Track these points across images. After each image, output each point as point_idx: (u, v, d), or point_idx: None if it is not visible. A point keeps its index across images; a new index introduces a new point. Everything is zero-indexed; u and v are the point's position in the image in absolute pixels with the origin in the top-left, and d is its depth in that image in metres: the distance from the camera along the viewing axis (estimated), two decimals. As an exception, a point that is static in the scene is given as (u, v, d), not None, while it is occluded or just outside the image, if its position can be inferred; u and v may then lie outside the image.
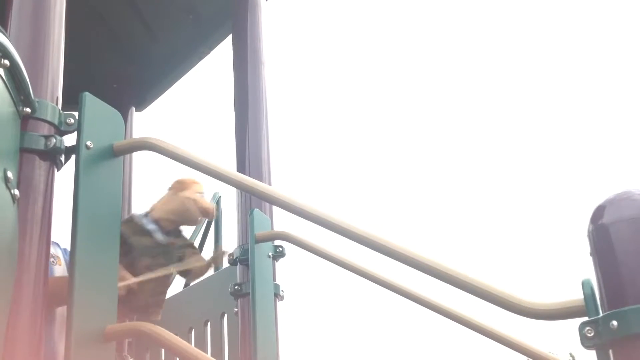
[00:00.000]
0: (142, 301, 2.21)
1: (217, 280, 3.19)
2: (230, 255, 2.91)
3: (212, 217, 2.39)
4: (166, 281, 2.42)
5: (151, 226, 2.36)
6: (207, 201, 2.46)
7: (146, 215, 2.52)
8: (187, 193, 2.43)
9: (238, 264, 2.86)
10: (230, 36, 3.46)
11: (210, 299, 3.17)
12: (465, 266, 1.42)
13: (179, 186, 2.47)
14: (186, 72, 4.07)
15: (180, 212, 2.46)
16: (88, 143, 1.75)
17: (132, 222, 2.51)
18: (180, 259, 2.50)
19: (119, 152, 1.85)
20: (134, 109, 4.34)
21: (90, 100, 1.81)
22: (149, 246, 2.37)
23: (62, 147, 1.68)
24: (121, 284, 2.10)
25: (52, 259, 2.29)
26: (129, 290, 2.15)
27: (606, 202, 1.15)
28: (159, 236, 2.43)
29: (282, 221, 2.84)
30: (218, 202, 3.80)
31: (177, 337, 1.70)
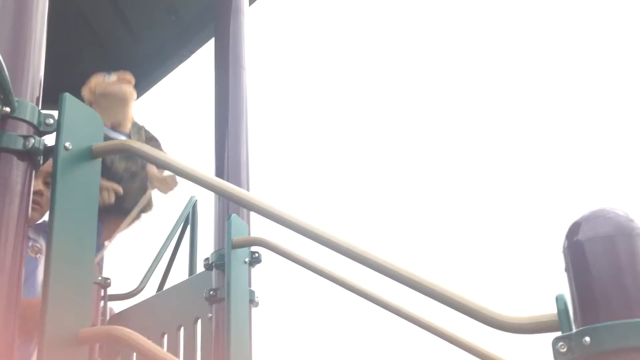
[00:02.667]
0: (131, 202, 2.19)
1: (191, 285, 3.18)
2: (207, 259, 2.90)
3: (128, 78, 2.28)
4: (145, 176, 2.35)
5: (114, 133, 2.26)
6: (113, 75, 2.34)
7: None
8: (101, 88, 2.30)
9: (214, 269, 2.86)
10: (213, 39, 3.46)
11: (183, 304, 3.15)
12: (441, 278, 1.43)
13: (91, 90, 2.34)
14: (167, 74, 4.06)
15: (108, 102, 2.33)
16: (67, 144, 1.74)
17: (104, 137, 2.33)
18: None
19: (97, 154, 1.84)
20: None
21: (70, 101, 1.80)
22: None
23: (41, 147, 1.67)
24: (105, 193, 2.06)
25: (37, 255, 2.26)
26: (117, 195, 2.12)
27: (581, 219, 1.17)
28: (122, 137, 2.35)
29: (260, 227, 2.84)
30: (194, 206, 3.79)
31: (151, 342, 1.69)
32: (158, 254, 3.78)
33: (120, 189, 2.04)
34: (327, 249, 1.65)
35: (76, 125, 1.79)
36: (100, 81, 2.20)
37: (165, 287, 3.73)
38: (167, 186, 2.56)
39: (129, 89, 2.16)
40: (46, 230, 2.30)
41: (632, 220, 1.12)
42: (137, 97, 4.39)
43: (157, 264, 3.80)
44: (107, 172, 2.01)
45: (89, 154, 1.82)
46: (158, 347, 1.69)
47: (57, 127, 1.73)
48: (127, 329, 1.70)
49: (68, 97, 1.79)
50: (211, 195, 3.19)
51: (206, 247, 3.71)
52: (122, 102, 2.13)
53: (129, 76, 2.20)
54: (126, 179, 2.06)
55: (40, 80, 1.78)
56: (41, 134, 1.70)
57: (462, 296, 1.37)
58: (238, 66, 3.17)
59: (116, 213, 2.08)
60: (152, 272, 3.80)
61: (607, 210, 1.15)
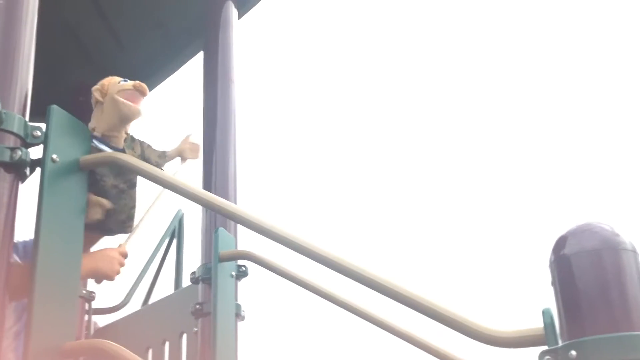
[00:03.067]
0: (121, 217, 2.12)
1: (176, 299, 3.16)
2: (193, 273, 2.89)
3: (143, 89, 2.15)
4: (135, 192, 2.26)
5: (103, 146, 2.15)
6: (129, 83, 2.21)
7: (92, 137, 2.25)
8: (113, 92, 2.19)
9: (200, 282, 2.84)
10: (201, 53, 3.47)
11: (169, 318, 3.13)
12: (429, 291, 1.43)
13: (101, 92, 2.23)
14: (154, 87, 4.05)
15: (117, 112, 2.20)
16: (54, 156, 1.73)
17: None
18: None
19: (85, 167, 1.84)
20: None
21: (57, 113, 1.79)
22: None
23: (28, 159, 1.66)
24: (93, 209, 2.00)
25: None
26: (107, 212, 2.05)
27: (568, 233, 1.17)
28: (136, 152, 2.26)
29: (247, 241, 2.83)
30: (181, 220, 3.78)
31: (136, 356, 1.68)
32: (144, 268, 3.76)
33: (107, 205, 2.00)
34: (313, 262, 1.65)
35: (63, 137, 1.79)
36: (115, 83, 2.10)
37: (151, 301, 3.71)
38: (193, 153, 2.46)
39: (139, 108, 2.07)
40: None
41: (617, 235, 1.13)
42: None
43: (143, 278, 3.78)
44: (95, 187, 1.97)
45: (77, 167, 1.81)
46: (144, 361, 1.68)
47: (45, 140, 1.73)
48: (112, 343, 1.68)
49: (55, 109, 1.79)
50: (198, 209, 3.18)
51: (192, 262, 3.69)
52: (126, 118, 2.06)
53: (145, 89, 2.12)
54: (113, 196, 2.02)
55: (28, 92, 1.78)
56: (28, 145, 1.69)
57: (448, 310, 1.37)
58: (227, 80, 3.18)
59: (94, 230, 2.03)
60: (137, 286, 3.78)
61: (593, 224, 1.15)
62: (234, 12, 3.39)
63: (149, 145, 2.21)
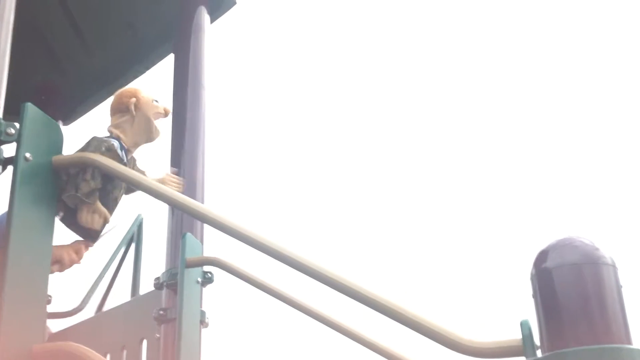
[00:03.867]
0: (105, 223, 2.15)
1: (137, 305, 3.11)
2: (157, 279, 2.85)
3: (167, 115, 2.28)
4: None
5: (124, 155, 2.18)
6: (161, 107, 2.29)
7: (120, 144, 2.27)
8: (148, 112, 2.24)
9: (165, 288, 2.80)
10: (171, 56, 3.43)
11: (129, 324, 3.08)
12: (406, 301, 1.44)
13: (137, 103, 2.25)
14: (120, 89, 3.99)
15: (147, 134, 2.28)
16: (27, 155, 1.70)
17: (113, 152, 2.20)
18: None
19: (57, 167, 1.81)
20: (61, 122, 4.22)
21: (32, 111, 1.76)
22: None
23: (1, 157, 1.62)
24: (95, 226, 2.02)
25: None
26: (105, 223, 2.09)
27: (549, 247, 1.20)
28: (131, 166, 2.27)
29: (212, 247, 2.81)
30: (140, 225, 3.73)
31: (105, 358, 1.65)
32: (101, 272, 3.70)
33: (109, 218, 2.02)
34: (282, 264, 1.65)
35: (37, 136, 1.76)
36: (150, 102, 2.16)
37: (107, 306, 3.64)
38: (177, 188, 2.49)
39: (159, 132, 2.18)
40: None
41: (597, 249, 1.16)
42: (86, 111, 4.34)
43: (100, 282, 3.72)
44: (106, 198, 2.00)
45: (49, 166, 1.78)
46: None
47: (18, 137, 1.70)
48: (81, 346, 1.65)
49: (30, 107, 1.76)
50: (161, 215, 3.15)
51: (149, 267, 3.64)
52: (152, 140, 2.15)
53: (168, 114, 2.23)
54: (112, 208, 2.05)
55: (2, 91, 1.74)
56: (1, 143, 1.66)
57: (426, 319, 1.39)
58: (197, 84, 3.15)
59: (81, 234, 2.06)
60: (94, 291, 3.71)
61: (573, 238, 1.18)
62: (206, 17, 3.37)
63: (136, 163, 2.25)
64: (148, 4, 3.72)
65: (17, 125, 1.71)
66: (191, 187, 2.98)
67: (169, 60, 3.46)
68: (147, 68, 3.88)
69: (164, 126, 3.07)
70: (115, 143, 2.15)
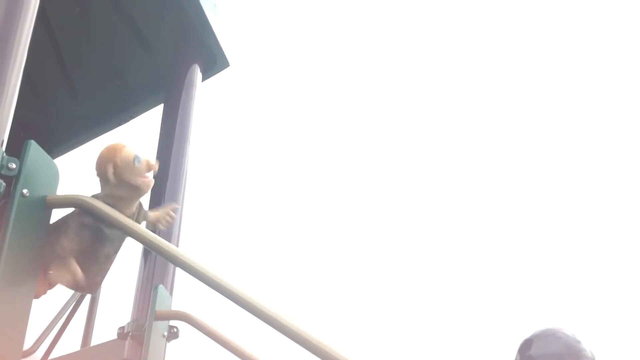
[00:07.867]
0: (97, 279, 2.09)
1: (97, 353, 3.06)
2: (122, 328, 2.82)
3: (156, 169, 2.18)
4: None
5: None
6: (143, 163, 2.19)
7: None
8: (130, 179, 2.16)
9: (129, 338, 2.77)
10: (160, 106, 3.49)
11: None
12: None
13: (115, 170, 2.18)
14: (103, 134, 4.01)
15: (136, 193, 2.20)
16: (24, 191, 1.72)
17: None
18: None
19: (50, 206, 1.83)
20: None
21: (34, 149, 1.79)
22: (118, 236, 2.15)
23: (2, 190, 1.64)
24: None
25: None
26: (89, 272, 2.02)
27: (533, 336, 1.27)
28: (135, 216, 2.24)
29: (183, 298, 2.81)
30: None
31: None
32: (57, 315, 3.64)
33: (79, 277, 1.97)
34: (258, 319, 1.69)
35: (36, 174, 1.79)
36: (129, 165, 2.03)
37: (56, 352, 3.56)
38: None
39: (151, 182, 2.09)
40: None
41: (579, 342, 1.23)
42: (65, 153, 4.33)
43: (54, 326, 3.65)
44: (92, 247, 1.98)
45: (43, 204, 1.80)
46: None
47: (18, 173, 1.72)
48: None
49: (33, 145, 1.79)
50: (124, 263, 3.14)
51: (103, 316, 3.58)
52: (142, 194, 2.09)
53: (157, 166, 2.13)
54: (100, 260, 2.02)
55: (8, 124, 1.77)
56: (1, 177, 1.68)
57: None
58: (183, 139, 3.20)
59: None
60: (48, 334, 3.64)
61: (557, 330, 1.26)
62: (198, 74, 3.45)
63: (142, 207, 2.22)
64: (141, 55, 3.79)
65: (17, 161, 1.73)
66: (167, 239, 2.99)
67: (157, 109, 3.51)
68: (132, 117, 3.92)
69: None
70: None
